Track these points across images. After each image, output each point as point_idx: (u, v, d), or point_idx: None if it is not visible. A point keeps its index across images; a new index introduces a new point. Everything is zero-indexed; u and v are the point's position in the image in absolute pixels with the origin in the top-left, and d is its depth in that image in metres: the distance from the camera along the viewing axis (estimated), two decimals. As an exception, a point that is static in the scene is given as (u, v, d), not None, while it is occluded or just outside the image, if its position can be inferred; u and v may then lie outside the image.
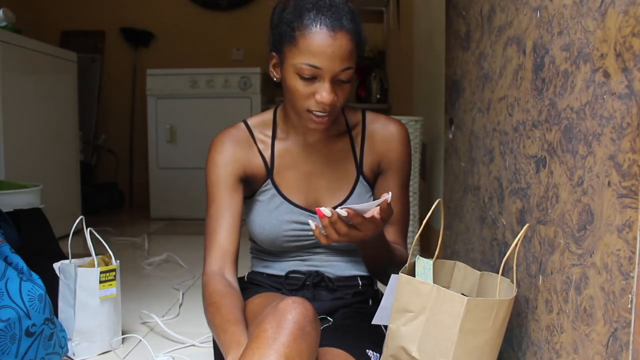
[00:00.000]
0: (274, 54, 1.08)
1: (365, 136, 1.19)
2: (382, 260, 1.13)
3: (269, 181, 1.16)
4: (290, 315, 0.86)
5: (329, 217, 0.94)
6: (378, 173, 1.20)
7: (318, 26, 0.98)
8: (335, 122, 1.17)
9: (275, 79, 1.10)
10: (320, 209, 0.94)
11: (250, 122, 1.19)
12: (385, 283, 1.11)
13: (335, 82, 1.02)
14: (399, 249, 1.17)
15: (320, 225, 0.97)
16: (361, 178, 1.17)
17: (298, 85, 1.02)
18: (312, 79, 1.01)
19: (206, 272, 1.10)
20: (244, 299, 1.13)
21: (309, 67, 0.99)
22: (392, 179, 1.18)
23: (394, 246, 1.15)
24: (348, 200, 1.15)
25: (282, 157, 1.16)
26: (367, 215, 0.96)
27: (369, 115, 1.20)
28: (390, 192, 0.96)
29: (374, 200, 1.11)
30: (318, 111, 1.03)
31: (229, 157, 1.14)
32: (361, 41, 1.05)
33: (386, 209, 0.96)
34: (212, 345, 1.35)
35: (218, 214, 1.12)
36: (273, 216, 1.14)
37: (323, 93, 1.01)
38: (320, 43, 0.98)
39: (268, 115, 1.20)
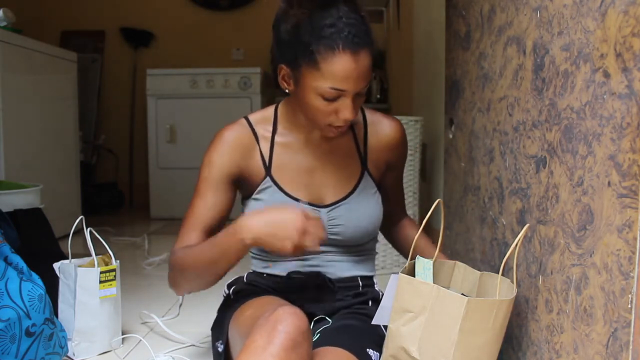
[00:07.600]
0: (283, 66, 1.05)
1: (367, 133, 1.20)
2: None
3: (268, 178, 1.15)
4: (281, 326, 0.85)
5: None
6: (384, 171, 1.23)
7: (341, 49, 0.96)
8: None
9: (286, 91, 1.09)
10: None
11: (251, 118, 1.20)
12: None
13: (355, 97, 1.03)
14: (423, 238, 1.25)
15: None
16: (366, 173, 1.18)
17: (319, 105, 1.02)
18: (335, 98, 1.01)
19: (172, 250, 1.12)
20: (241, 300, 1.14)
21: (334, 90, 0.99)
22: (396, 174, 1.28)
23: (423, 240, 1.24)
24: (352, 195, 1.16)
25: (281, 154, 1.16)
26: None
27: (367, 112, 1.22)
28: None
29: (380, 200, 1.21)
30: (339, 125, 1.05)
31: (227, 158, 1.14)
32: (375, 48, 1.04)
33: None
34: (212, 345, 1.35)
35: (199, 208, 1.13)
36: None
37: (346, 111, 1.01)
38: (345, 67, 0.97)
39: (269, 111, 1.20)
